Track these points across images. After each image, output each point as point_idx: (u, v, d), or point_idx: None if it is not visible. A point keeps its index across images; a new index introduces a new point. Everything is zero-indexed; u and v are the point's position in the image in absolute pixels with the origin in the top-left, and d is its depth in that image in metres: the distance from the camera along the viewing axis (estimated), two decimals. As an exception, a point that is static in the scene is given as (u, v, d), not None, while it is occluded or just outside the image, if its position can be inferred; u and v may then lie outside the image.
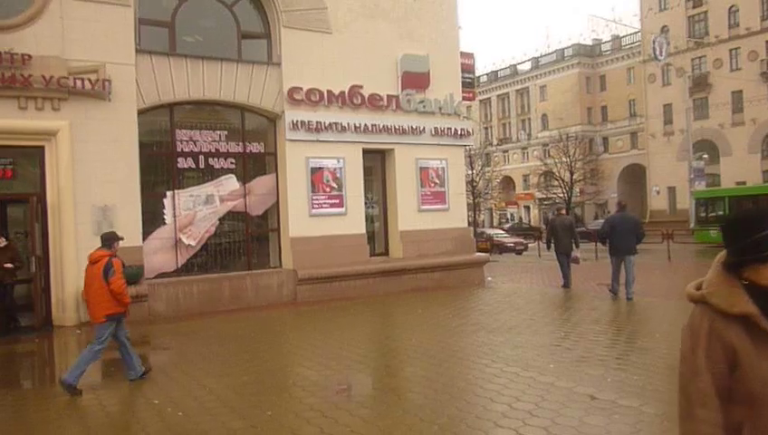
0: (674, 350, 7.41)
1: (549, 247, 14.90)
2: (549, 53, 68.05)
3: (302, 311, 11.95)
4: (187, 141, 12.67)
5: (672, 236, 21.37)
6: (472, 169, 32.50)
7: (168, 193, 12.45)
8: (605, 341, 8.11)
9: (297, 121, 13.30)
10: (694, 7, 51.96)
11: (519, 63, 72.06)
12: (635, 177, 59.54)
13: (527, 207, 69.06)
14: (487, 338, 8.59)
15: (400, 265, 14.32)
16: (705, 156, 44.87)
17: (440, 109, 15.19)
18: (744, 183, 42.44)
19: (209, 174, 12.99)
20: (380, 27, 14.61)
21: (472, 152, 47.39)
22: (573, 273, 14.26)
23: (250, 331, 10.02)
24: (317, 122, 13.49)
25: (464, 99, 16.76)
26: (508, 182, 73.24)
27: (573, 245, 13.94)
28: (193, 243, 12.59)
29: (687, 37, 51.00)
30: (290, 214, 13.25)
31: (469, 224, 32.50)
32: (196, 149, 12.74)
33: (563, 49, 65.89)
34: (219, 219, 12.95)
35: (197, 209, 12.70)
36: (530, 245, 29.42)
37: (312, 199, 13.55)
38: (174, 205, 12.44)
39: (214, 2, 13.16)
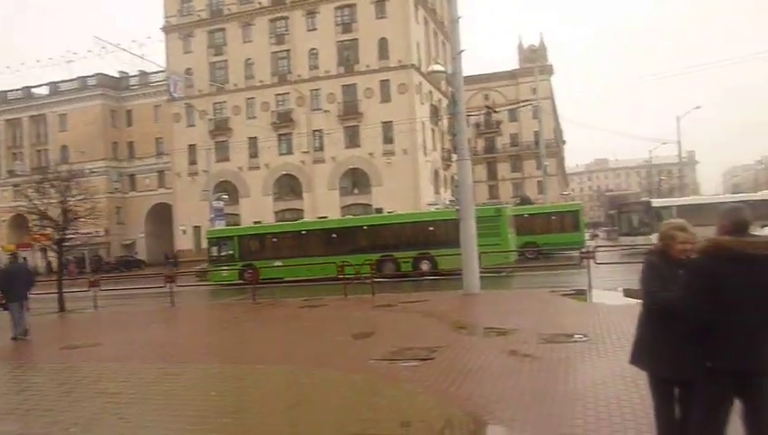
0: None
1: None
2: (70, 80, 62.11)
3: None
4: None
5: (174, 278, 19.98)
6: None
7: None
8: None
9: None
10: (215, 55, 54.43)
11: (35, 87, 63.79)
12: (163, 216, 58.65)
13: (44, 250, 60.68)
14: None
15: None
16: (226, 196, 46.66)
17: None
18: (260, 222, 45.40)
19: None
20: None
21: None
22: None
23: None
24: None
25: None
26: (23, 221, 63.44)
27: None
28: None
29: (210, 82, 52.89)
30: None
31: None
32: None
33: (86, 77, 61.01)
34: None
35: None
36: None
37: None
38: None
39: None
